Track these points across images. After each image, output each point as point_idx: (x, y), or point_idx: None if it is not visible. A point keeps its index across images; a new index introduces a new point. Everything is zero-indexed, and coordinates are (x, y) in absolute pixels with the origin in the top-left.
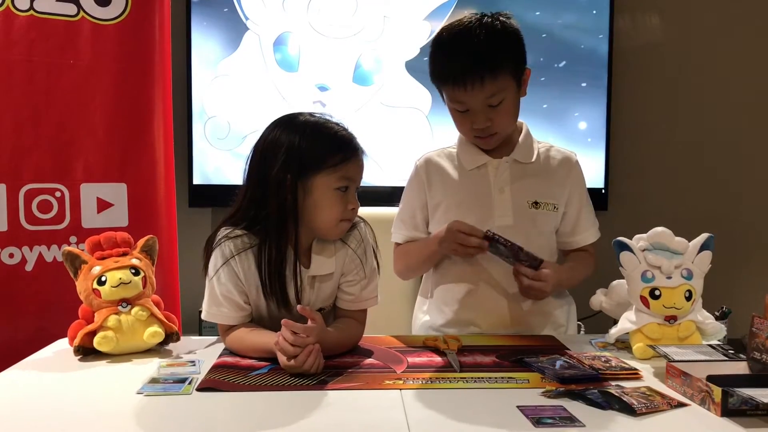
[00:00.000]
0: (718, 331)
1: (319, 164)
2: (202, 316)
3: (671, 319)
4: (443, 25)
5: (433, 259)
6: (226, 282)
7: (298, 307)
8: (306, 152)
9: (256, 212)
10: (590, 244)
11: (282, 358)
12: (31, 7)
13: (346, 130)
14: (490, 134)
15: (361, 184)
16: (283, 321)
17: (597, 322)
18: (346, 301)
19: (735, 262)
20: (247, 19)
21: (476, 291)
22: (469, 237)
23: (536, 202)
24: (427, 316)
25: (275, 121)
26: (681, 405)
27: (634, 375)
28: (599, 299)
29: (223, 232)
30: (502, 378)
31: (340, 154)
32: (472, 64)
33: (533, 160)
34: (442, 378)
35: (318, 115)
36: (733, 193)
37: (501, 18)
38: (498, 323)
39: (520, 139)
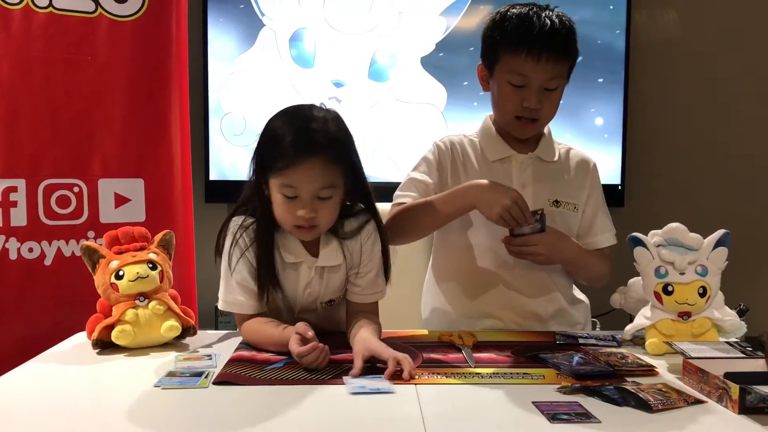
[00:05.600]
0: (737, 328)
1: (268, 166)
2: (219, 306)
3: (685, 315)
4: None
5: (453, 217)
6: (241, 270)
7: (299, 324)
8: (262, 151)
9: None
10: (605, 248)
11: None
12: (50, 4)
13: (308, 130)
14: (533, 118)
15: (377, 180)
16: (294, 332)
17: (612, 319)
18: (355, 294)
19: (753, 260)
20: (263, 15)
21: (491, 289)
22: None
23: (557, 201)
24: (438, 304)
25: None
26: (698, 402)
27: (650, 371)
28: (618, 296)
29: (237, 221)
30: (518, 374)
31: (284, 159)
32: (553, 39)
33: (555, 159)
34: (457, 373)
35: (305, 108)
36: (752, 189)
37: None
38: (512, 323)
39: (544, 137)
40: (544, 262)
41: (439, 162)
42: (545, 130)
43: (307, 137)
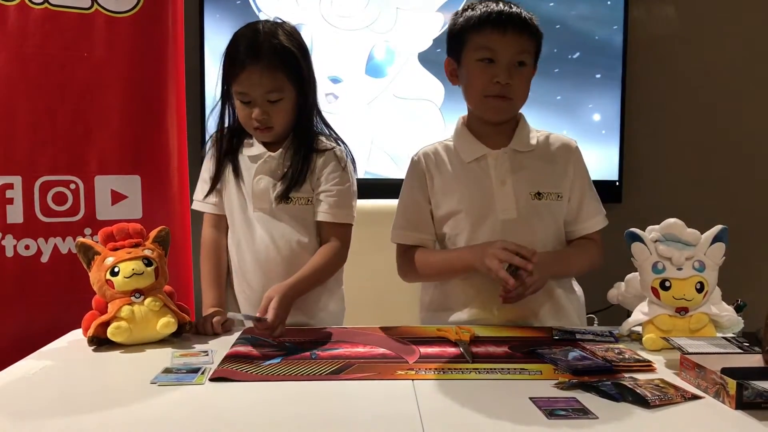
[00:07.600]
0: (734, 323)
1: (227, 74)
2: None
3: (682, 311)
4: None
5: (463, 272)
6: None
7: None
8: (224, 63)
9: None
10: (595, 232)
11: None
12: (46, 0)
13: (256, 39)
14: (506, 96)
15: (375, 176)
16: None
17: (610, 314)
18: (323, 213)
19: (751, 255)
20: (259, 11)
21: (485, 289)
22: (514, 256)
23: (539, 193)
24: (435, 305)
25: None
26: (695, 397)
27: (647, 367)
28: (616, 292)
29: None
30: (515, 369)
31: (235, 66)
32: (517, 16)
33: (533, 147)
34: (455, 369)
35: (262, 22)
36: (749, 185)
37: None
38: (506, 319)
39: (518, 128)
40: (541, 284)
41: (417, 179)
42: (518, 123)
43: (253, 45)
